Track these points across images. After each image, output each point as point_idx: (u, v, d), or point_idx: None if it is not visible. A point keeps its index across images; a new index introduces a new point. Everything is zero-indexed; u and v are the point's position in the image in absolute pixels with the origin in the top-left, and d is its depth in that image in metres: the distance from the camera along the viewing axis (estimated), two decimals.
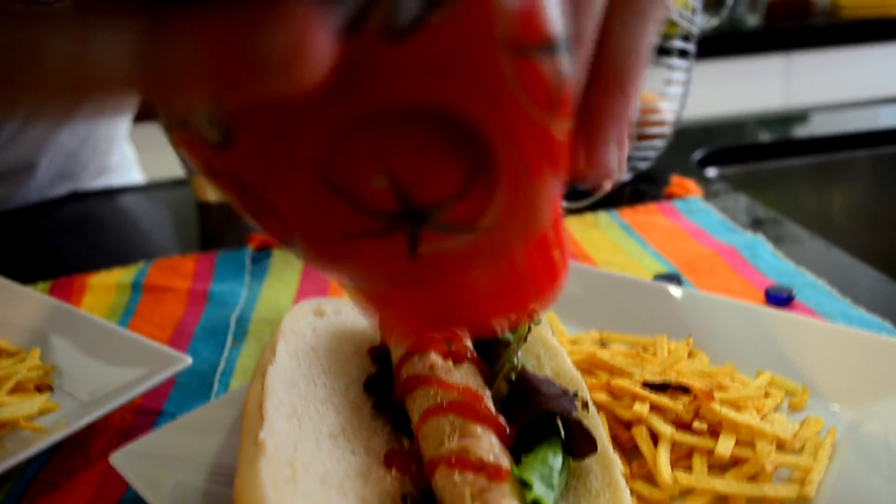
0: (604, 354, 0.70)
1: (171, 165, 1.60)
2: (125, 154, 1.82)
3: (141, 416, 0.74)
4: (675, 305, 0.81)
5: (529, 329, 0.64)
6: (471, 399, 0.52)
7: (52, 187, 1.59)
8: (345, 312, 0.72)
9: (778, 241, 1.05)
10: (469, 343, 0.62)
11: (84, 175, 1.63)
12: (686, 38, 1.32)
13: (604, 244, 1.08)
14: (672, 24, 1.35)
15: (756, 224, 1.12)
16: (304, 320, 0.67)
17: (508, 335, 0.65)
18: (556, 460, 0.50)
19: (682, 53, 1.33)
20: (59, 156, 1.53)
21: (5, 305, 0.92)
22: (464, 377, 0.56)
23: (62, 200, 1.59)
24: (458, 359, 0.58)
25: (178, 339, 0.88)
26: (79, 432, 0.67)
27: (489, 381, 0.58)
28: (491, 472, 0.46)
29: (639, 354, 0.72)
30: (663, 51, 1.33)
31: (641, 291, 0.83)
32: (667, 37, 1.33)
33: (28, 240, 1.37)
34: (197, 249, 1.16)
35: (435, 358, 0.57)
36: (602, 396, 0.65)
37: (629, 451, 0.62)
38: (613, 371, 0.68)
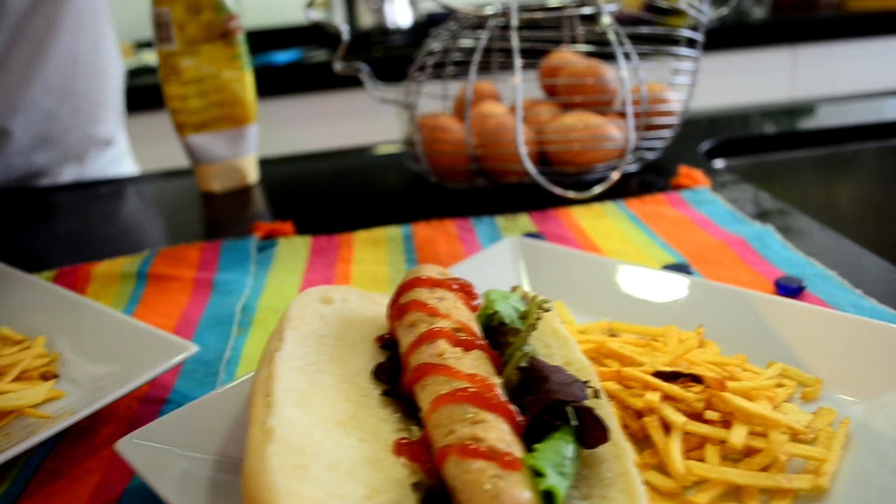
0: (613, 343, 0.69)
1: (166, 157, 1.59)
2: (118, 139, 1.79)
3: (146, 404, 0.73)
4: (684, 295, 0.80)
5: (539, 317, 0.63)
6: (481, 387, 0.52)
7: (35, 152, 1.57)
8: (352, 300, 0.71)
9: (787, 232, 1.04)
10: (479, 330, 0.61)
11: (68, 141, 1.61)
12: (694, 27, 1.31)
13: (612, 234, 1.07)
14: (680, 13, 1.34)
15: (764, 215, 1.11)
16: (312, 307, 0.66)
17: (518, 323, 0.64)
18: (569, 449, 0.49)
19: (690, 43, 1.32)
20: (36, 114, 1.52)
21: (10, 294, 0.92)
22: (474, 365, 0.55)
23: (66, 188, 1.58)
24: (467, 347, 0.57)
25: (184, 328, 0.88)
26: (84, 420, 0.66)
27: (499, 369, 0.57)
28: (503, 461, 0.45)
29: (649, 344, 0.71)
30: (671, 40, 1.32)
31: (650, 281, 0.83)
32: (675, 26, 1.32)
33: (32, 228, 1.36)
34: (201, 239, 1.16)
35: (444, 345, 0.57)
36: (612, 386, 0.64)
37: (640, 441, 0.61)
38: (623, 360, 0.68)
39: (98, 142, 1.68)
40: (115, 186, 1.61)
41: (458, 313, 0.61)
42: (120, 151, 1.81)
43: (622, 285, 0.84)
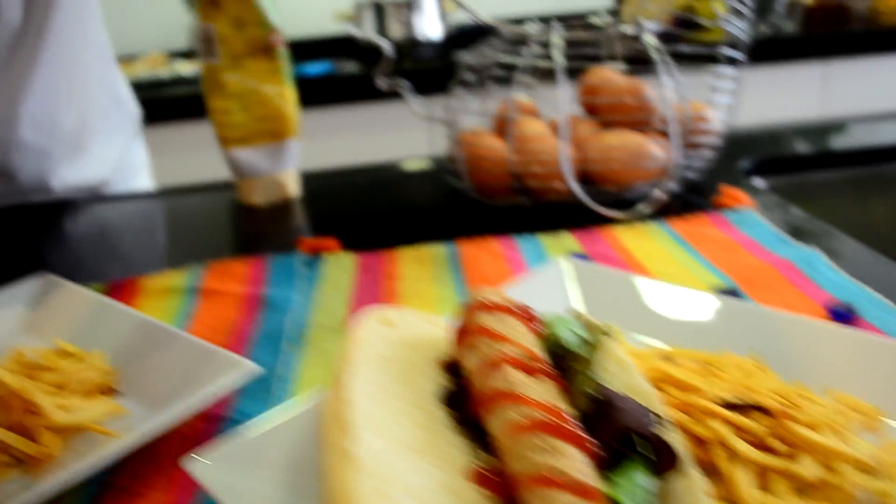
0: (673, 370, 0.69)
1: (206, 167, 1.59)
2: (128, 164, 1.77)
3: (207, 421, 0.74)
4: (737, 320, 0.80)
5: (603, 343, 0.63)
6: (554, 415, 0.52)
7: (35, 193, 1.57)
8: (410, 321, 0.72)
9: (832, 254, 1.03)
10: (545, 356, 0.62)
11: (67, 179, 1.59)
12: (734, 45, 1.31)
13: (657, 255, 1.07)
14: (719, 30, 1.34)
15: (808, 236, 1.11)
16: (374, 329, 0.67)
17: (580, 348, 0.64)
18: (643, 479, 0.50)
19: (730, 61, 1.31)
20: (28, 154, 1.51)
21: (66, 306, 0.93)
22: (543, 392, 0.55)
23: (98, 201, 1.60)
24: (535, 373, 0.57)
25: (236, 344, 0.88)
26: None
27: (567, 396, 0.58)
28: (585, 493, 0.45)
29: (708, 370, 0.71)
30: (710, 58, 1.32)
31: (703, 305, 0.83)
32: (709, 42, 1.32)
33: (68, 241, 1.38)
34: (243, 252, 1.17)
35: (512, 372, 0.57)
36: (674, 413, 0.64)
37: (703, 470, 0.61)
38: (684, 387, 0.68)
39: (83, 161, 1.63)
40: (155, 199, 1.63)
41: (523, 339, 0.62)
42: (131, 170, 1.79)
43: (676, 310, 0.84)
